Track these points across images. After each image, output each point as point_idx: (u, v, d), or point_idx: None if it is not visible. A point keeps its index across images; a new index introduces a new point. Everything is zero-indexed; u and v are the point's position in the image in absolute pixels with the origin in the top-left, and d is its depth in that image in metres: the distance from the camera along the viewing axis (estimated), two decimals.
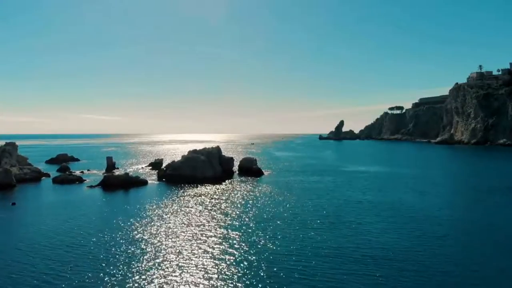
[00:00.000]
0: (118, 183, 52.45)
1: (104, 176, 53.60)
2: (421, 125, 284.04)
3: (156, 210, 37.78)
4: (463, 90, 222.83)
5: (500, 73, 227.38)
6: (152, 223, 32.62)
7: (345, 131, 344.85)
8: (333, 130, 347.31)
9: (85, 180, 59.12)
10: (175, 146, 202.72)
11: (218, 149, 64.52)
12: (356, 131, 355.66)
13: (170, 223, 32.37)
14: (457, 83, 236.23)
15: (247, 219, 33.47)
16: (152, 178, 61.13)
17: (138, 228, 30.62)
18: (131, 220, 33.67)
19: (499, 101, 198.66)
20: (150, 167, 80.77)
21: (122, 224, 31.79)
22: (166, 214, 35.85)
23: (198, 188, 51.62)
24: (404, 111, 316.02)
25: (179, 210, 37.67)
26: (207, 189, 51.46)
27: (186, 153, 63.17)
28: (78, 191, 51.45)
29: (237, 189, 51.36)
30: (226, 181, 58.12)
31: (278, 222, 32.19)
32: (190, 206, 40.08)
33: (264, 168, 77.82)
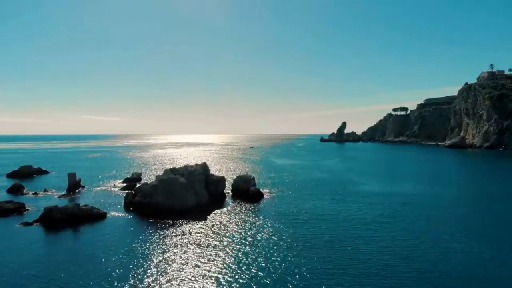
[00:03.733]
0: (63, 218, 38.15)
1: (44, 209, 39.18)
2: (427, 127, 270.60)
3: (103, 269, 23.57)
4: (474, 90, 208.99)
5: None
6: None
7: (347, 132, 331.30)
8: (335, 131, 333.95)
9: (27, 209, 44.74)
10: (168, 151, 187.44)
11: (204, 167, 49.69)
12: (358, 132, 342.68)
13: None
14: (467, 83, 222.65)
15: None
16: (116, 207, 46.49)
17: None
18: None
19: None
20: (125, 184, 66.47)
21: None
22: (117, 279, 21.78)
23: (174, 228, 37.07)
24: (408, 112, 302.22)
25: (138, 272, 23.50)
26: (185, 227, 37.14)
27: (161, 173, 48.71)
28: (6, 229, 37.02)
29: (227, 227, 37.03)
30: (214, 212, 43.58)
31: None
32: (157, 261, 25.95)
33: (264, 185, 63.68)
